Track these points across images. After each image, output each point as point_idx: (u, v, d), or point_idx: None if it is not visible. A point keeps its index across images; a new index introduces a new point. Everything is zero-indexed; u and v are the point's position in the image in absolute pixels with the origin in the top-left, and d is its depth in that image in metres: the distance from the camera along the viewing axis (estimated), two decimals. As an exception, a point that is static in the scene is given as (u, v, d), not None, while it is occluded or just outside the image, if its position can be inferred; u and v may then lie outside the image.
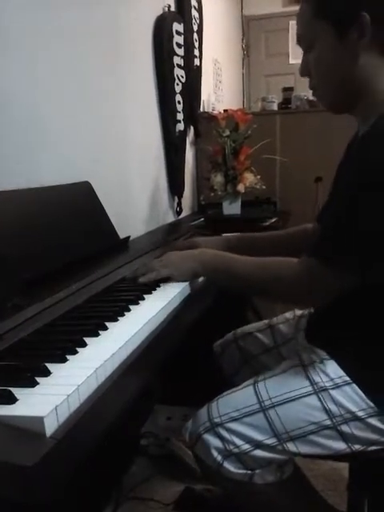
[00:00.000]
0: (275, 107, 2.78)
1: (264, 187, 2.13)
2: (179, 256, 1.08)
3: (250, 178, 2.09)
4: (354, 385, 0.89)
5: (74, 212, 1.28)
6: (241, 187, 2.09)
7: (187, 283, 1.04)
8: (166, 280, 1.03)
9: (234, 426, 0.91)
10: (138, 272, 1.06)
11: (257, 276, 0.97)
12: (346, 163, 1.05)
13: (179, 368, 1.51)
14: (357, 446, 0.90)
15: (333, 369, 0.92)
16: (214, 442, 0.91)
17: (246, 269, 0.98)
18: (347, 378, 0.90)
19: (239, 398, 0.95)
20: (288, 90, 2.82)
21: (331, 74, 0.93)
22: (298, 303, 1.04)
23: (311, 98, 2.62)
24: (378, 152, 0.81)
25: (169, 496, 1.49)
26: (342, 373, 0.91)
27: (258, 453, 0.90)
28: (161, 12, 2.14)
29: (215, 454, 0.91)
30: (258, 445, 0.90)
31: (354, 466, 1.12)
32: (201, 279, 1.08)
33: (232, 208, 2.15)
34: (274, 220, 2.09)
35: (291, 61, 4.34)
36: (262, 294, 1.06)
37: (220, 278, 1.03)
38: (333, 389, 0.90)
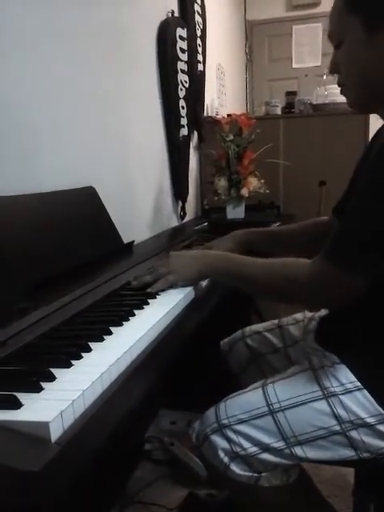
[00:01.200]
0: (278, 111, 2.78)
1: (268, 191, 2.13)
2: (183, 260, 1.07)
3: (253, 183, 2.10)
4: (365, 391, 0.88)
5: (79, 216, 1.29)
6: (244, 191, 2.09)
7: (191, 287, 1.03)
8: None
9: (241, 428, 0.90)
10: (144, 279, 1.04)
11: (267, 277, 0.95)
12: (368, 161, 1.04)
13: (185, 370, 1.51)
14: (365, 454, 0.89)
15: (344, 374, 0.91)
16: (221, 443, 0.91)
17: (254, 270, 0.96)
18: (358, 384, 0.89)
19: (248, 400, 0.94)
20: (291, 94, 2.82)
21: (359, 70, 0.90)
22: (312, 305, 1.00)
23: (315, 102, 2.63)
24: None
25: (172, 501, 1.48)
26: (353, 378, 0.89)
27: (265, 456, 0.89)
28: (164, 17, 2.15)
29: (222, 455, 0.91)
30: (265, 448, 0.89)
31: (359, 472, 1.12)
32: (205, 284, 1.08)
33: (236, 212, 2.15)
34: (277, 224, 2.09)
35: (294, 65, 4.36)
36: (273, 295, 1.02)
37: (226, 279, 1.02)
38: (343, 394, 0.89)
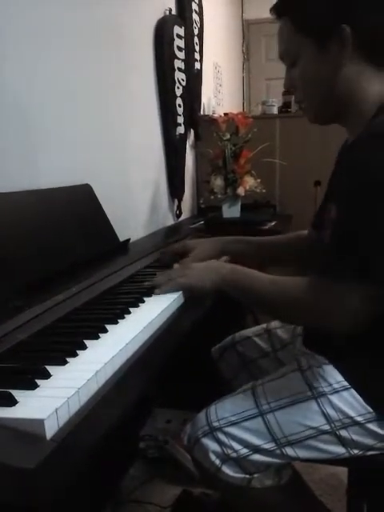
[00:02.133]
0: (275, 111, 2.79)
1: (264, 191, 2.13)
2: (200, 267, 1.03)
3: (249, 182, 2.09)
4: (353, 390, 0.89)
5: (75, 214, 1.28)
6: (241, 190, 2.09)
7: None
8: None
9: (232, 430, 0.91)
10: (157, 281, 1.02)
11: (274, 297, 0.92)
12: (339, 172, 1.05)
13: (179, 371, 1.51)
14: (355, 451, 0.90)
15: (331, 374, 0.91)
16: (212, 446, 0.91)
17: (264, 288, 0.92)
18: (346, 384, 0.90)
19: (238, 402, 0.95)
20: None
21: (316, 86, 0.93)
22: (324, 328, 0.90)
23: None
24: (371, 153, 0.79)
25: (167, 499, 1.49)
26: (340, 378, 0.90)
27: (257, 457, 0.90)
28: (162, 15, 2.15)
29: (213, 457, 0.91)
30: (256, 449, 0.90)
31: (353, 471, 1.12)
32: None
33: (232, 211, 2.16)
34: (273, 223, 2.09)
35: (291, 65, 4.36)
36: (280, 317, 1.03)
37: (239, 294, 0.97)
38: (331, 394, 0.89)
